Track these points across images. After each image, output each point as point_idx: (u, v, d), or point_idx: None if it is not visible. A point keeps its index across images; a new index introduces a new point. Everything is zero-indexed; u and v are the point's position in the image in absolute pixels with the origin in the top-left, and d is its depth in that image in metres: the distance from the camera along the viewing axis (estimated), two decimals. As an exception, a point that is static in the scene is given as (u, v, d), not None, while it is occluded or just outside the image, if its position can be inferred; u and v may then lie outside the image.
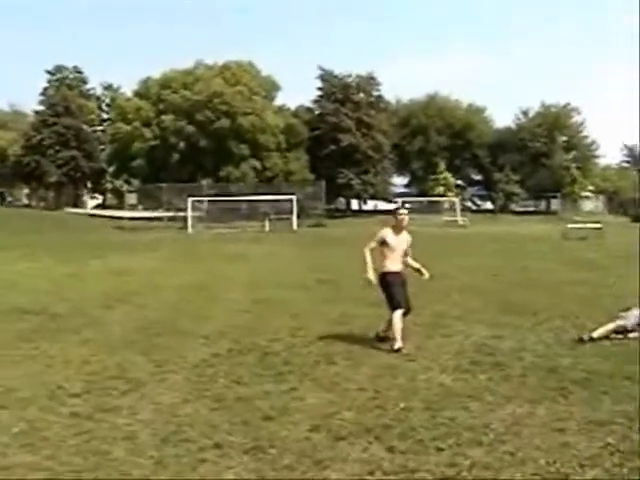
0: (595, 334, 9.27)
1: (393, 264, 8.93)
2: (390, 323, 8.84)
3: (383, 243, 8.92)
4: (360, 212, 72.45)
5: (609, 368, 7.67)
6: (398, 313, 8.72)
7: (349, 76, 70.03)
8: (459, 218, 56.45)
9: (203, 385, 7.21)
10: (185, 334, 9.92)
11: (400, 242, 8.98)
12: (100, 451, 5.37)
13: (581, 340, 9.19)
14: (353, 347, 8.90)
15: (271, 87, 70.21)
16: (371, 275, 8.93)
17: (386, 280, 8.90)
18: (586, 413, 6.09)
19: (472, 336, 9.50)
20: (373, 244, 9.00)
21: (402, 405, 6.40)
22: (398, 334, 8.60)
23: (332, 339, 9.41)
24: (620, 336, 9.22)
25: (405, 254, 9.13)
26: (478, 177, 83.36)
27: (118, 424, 5.98)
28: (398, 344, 8.54)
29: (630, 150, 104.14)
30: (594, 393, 6.74)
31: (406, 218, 9.04)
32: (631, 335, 9.23)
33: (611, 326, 9.42)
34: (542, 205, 79.93)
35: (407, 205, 61.18)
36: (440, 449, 5.31)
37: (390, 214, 9.23)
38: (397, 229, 9.00)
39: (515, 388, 6.97)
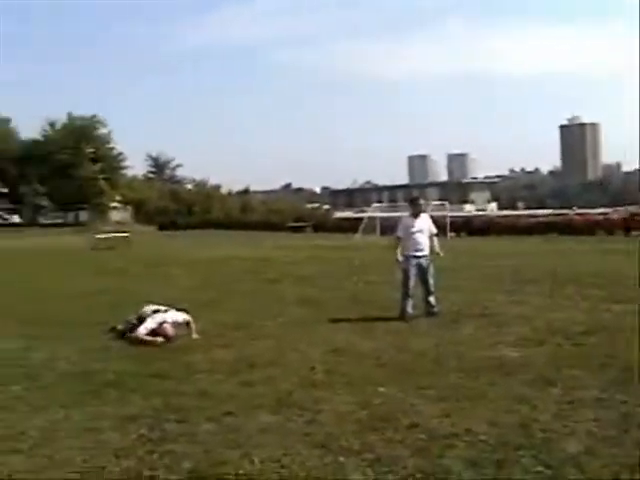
0: (120, 326, 10.14)
1: None
2: None
3: None
4: None
5: (136, 368, 8.16)
6: None
7: None
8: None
9: None
10: None
11: None
12: None
13: (112, 329, 10.15)
14: None
15: None
16: None
17: None
18: (118, 410, 6.44)
19: (-1, 351, 9.29)
20: None
21: None
22: None
23: None
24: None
25: None
26: (5, 190, 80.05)
27: None
28: None
29: (155, 160, 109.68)
30: (124, 392, 7.13)
31: None
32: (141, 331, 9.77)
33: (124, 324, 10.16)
34: (71, 217, 79.65)
35: None
36: (-25, 463, 5.22)
37: None
38: None
39: (50, 396, 7.03)
